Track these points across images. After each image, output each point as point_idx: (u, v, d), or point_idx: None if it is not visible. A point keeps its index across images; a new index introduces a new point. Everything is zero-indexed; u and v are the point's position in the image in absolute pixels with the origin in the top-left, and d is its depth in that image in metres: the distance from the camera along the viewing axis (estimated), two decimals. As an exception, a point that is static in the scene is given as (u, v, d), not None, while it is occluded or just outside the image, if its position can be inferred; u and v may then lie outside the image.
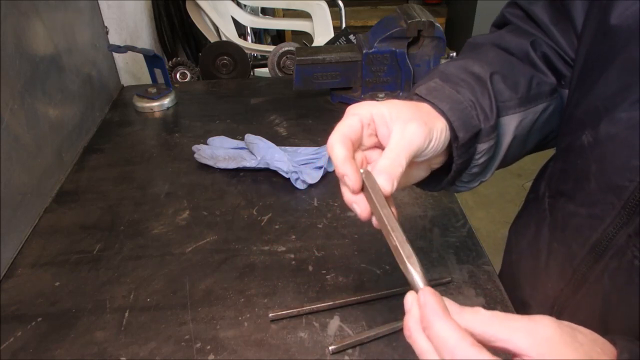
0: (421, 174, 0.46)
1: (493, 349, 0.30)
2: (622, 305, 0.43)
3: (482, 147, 0.46)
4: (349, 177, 0.38)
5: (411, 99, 0.45)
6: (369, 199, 0.38)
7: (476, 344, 0.29)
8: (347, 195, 0.40)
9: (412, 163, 0.41)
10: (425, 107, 0.43)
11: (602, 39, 0.44)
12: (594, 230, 0.45)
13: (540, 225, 0.55)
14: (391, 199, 0.39)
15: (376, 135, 0.42)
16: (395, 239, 0.35)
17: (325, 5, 1.48)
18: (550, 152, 0.57)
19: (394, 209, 0.38)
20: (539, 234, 0.55)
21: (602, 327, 0.45)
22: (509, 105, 0.48)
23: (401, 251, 0.35)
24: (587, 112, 0.45)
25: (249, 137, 0.81)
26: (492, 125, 0.45)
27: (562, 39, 0.53)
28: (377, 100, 0.94)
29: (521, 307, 0.57)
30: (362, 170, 0.39)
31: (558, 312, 0.52)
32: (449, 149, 0.44)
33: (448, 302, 0.32)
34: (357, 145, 0.41)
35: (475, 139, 0.45)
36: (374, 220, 0.39)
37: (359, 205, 0.39)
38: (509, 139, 0.49)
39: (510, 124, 0.48)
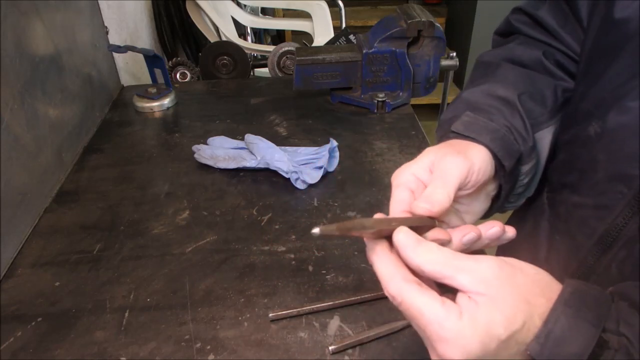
0: (483, 205, 0.47)
1: (444, 286, 0.33)
2: None
3: (525, 168, 0.47)
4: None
5: (448, 137, 0.45)
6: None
7: (409, 279, 0.33)
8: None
9: (472, 198, 0.44)
10: (460, 143, 0.43)
11: (607, 32, 0.44)
12: (601, 221, 0.45)
13: (539, 219, 0.54)
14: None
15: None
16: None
17: (325, 5, 1.48)
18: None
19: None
20: (537, 227, 0.54)
21: None
22: (541, 120, 0.49)
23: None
24: (594, 103, 0.45)
25: (249, 137, 0.81)
26: (531, 145, 0.46)
27: (571, 40, 0.53)
28: (379, 98, 0.94)
29: None
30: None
31: None
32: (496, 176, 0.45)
33: (414, 237, 0.34)
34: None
35: (518, 162, 0.46)
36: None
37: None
38: (547, 152, 0.50)
39: (546, 138, 0.50)
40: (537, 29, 0.56)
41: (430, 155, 0.41)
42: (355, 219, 0.37)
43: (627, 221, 0.42)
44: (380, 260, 0.35)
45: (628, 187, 0.41)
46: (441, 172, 0.39)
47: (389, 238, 0.36)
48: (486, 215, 0.49)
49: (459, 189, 0.40)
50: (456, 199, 0.42)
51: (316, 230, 0.32)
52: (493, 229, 0.38)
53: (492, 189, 0.46)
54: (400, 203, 0.39)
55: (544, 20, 0.54)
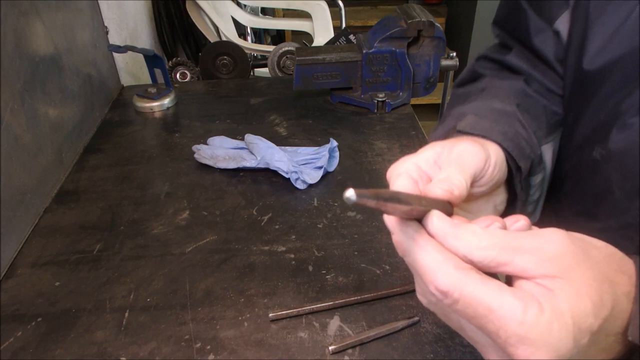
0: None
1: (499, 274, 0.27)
2: None
3: (536, 179, 0.44)
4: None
5: (452, 137, 0.40)
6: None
7: (464, 267, 0.26)
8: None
9: (478, 207, 0.39)
10: (470, 138, 0.38)
11: (583, 73, 0.43)
12: (630, 240, 0.42)
13: None
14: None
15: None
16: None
17: (325, 5, 1.48)
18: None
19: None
20: None
21: None
22: (539, 135, 0.46)
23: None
24: (589, 129, 0.45)
25: (249, 137, 0.81)
26: (539, 154, 0.43)
27: (546, 79, 0.51)
28: (379, 98, 0.94)
29: None
30: None
31: None
32: (507, 186, 0.41)
33: (450, 221, 0.28)
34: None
35: (529, 172, 0.43)
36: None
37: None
38: (549, 171, 0.47)
39: (547, 154, 0.47)
40: (505, 73, 0.53)
41: (435, 148, 0.36)
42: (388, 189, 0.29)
43: None
44: (422, 246, 0.28)
45: None
46: (456, 157, 0.34)
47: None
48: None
49: (474, 180, 0.35)
50: (461, 206, 0.38)
51: (350, 194, 0.23)
52: (519, 222, 0.31)
53: (500, 201, 0.42)
54: (402, 189, 0.33)
55: (514, 64, 0.51)
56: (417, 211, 0.28)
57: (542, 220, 0.55)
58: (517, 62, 0.52)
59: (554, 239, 0.26)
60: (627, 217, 0.43)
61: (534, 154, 0.43)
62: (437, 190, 0.31)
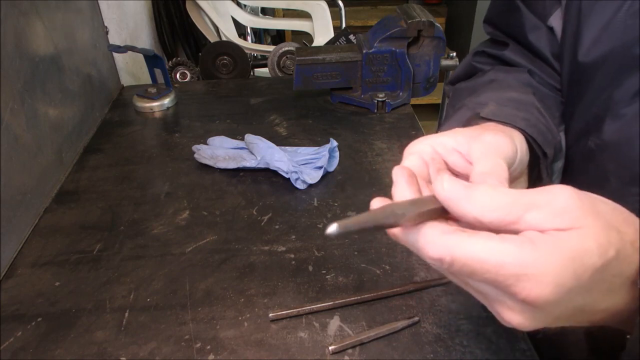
0: None
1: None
2: None
3: (558, 165, 0.45)
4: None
5: (476, 123, 0.40)
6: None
7: (450, 231, 0.27)
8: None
9: None
10: (496, 126, 0.38)
11: (578, 65, 0.45)
12: None
13: None
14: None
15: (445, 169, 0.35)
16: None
17: (325, 5, 1.48)
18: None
19: None
20: None
21: None
22: (555, 123, 0.46)
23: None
24: (585, 119, 0.46)
25: (249, 137, 0.81)
26: (559, 140, 0.44)
27: (544, 74, 0.53)
28: (379, 98, 0.94)
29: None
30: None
31: None
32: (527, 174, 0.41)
33: (461, 184, 0.28)
34: (423, 183, 0.33)
35: (554, 156, 0.43)
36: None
37: None
38: (564, 156, 0.48)
39: (562, 142, 0.48)
40: (504, 66, 0.54)
41: (457, 135, 0.34)
42: (382, 207, 0.28)
43: None
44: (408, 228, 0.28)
45: None
46: (493, 148, 0.33)
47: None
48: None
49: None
50: None
51: (332, 230, 0.25)
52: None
53: (521, 188, 0.42)
54: (405, 170, 0.31)
55: (511, 59, 0.53)
56: (426, 215, 0.28)
57: None
58: (515, 57, 0.53)
59: (563, 194, 0.27)
60: (623, 204, 0.43)
61: (555, 140, 0.43)
62: (488, 183, 0.30)
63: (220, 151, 0.81)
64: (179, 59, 1.22)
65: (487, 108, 0.41)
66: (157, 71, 1.04)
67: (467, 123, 0.42)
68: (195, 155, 0.81)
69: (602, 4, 0.43)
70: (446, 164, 0.34)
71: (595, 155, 0.46)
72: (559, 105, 0.51)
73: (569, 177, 0.53)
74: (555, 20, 0.49)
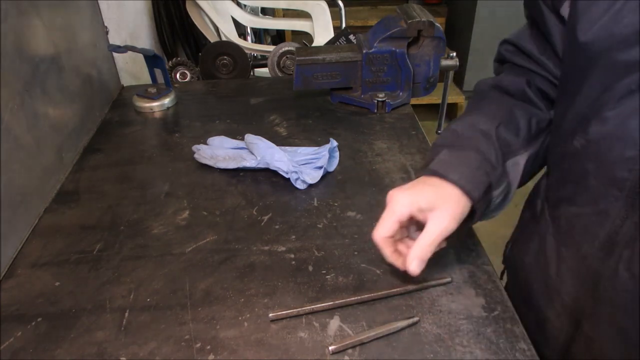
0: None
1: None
2: None
3: (496, 192, 0.53)
4: (399, 265, 0.53)
5: (426, 174, 0.53)
6: None
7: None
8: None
9: None
10: (444, 185, 0.51)
11: (576, 54, 0.48)
12: (601, 226, 0.47)
13: (544, 236, 0.56)
14: None
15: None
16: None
17: (325, 5, 1.48)
18: (540, 173, 0.63)
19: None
20: (543, 245, 0.56)
21: (632, 316, 0.47)
22: (514, 149, 0.55)
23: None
24: (574, 119, 0.49)
25: (249, 137, 0.81)
26: (499, 173, 0.52)
27: (552, 64, 0.57)
28: (379, 98, 0.94)
29: (537, 323, 0.58)
30: None
31: (578, 314, 0.53)
32: None
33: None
34: (398, 234, 0.54)
35: (490, 189, 0.51)
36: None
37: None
38: (520, 175, 0.56)
39: (520, 163, 0.56)
40: (521, 56, 0.61)
41: (425, 197, 0.50)
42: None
43: (623, 221, 0.45)
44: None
45: (620, 189, 0.44)
46: (436, 228, 0.50)
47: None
48: (466, 226, 0.54)
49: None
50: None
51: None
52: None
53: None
54: (389, 230, 0.52)
55: (526, 48, 0.60)
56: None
57: (530, 202, 0.64)
58: (530, 46, 0.59)
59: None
60: (601, 204, 0.47)
61: (493, 175, 0.52)
62: (414, 270, 0.50)
63: (220, 151, 0.81)
64: (179, 59, 1.22)
65: (438, 157, 0.54)
66: (157, 71, 1.04)
67: (429, 162, 0.55)
68: (195, 155, 0.81)
69: None
70: (413, 217, 0.51)
71: (579, 154, 0.48)
72: (536, 125, 0.57)
73: (553, 176, 0.56)
74: (564, 9, 0.51)
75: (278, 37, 2.34)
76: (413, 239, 0.54)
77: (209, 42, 1.46)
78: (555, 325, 0.56)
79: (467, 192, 0.50)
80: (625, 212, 0.44)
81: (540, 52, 0.58)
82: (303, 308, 0.53)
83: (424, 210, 0.50)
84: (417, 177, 0.55)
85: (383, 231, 0.51)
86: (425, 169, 0.54)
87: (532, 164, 0.58)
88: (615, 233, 0.45)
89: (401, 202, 0.50)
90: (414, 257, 0.49)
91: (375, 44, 0.93)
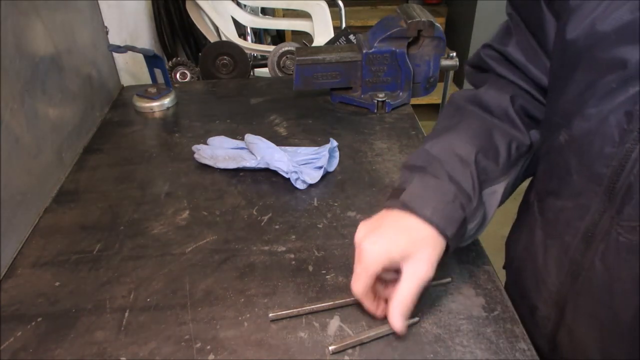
0: None
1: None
2: (617, 282, 0.46)
3: (471, 225, 0.52)
4: (377, 314, 0.52)
5: (397, 207, 0.50)
6: None
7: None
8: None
9: None
10: (417, 225, 0.49)
11: (565, 51, 0.48)
12: (582, 220, 0.48)
13: (533, 228, 0.58)
14: None
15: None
16: None
17: (325, 5, 1.48)
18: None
19: None
20: (533, 236, 0.58)
21: (606, 308, 0.48)
22: (492, 177, 0.54)
23: None
24: (560, 114, 0.50)
25: (249, 137, 0.81)
26: (475, 204, 0.50)
27: (540, 73, 0.56)
28: (379, 98, 0.94)
29: (529, 311, 0.58)
30: None
31: (562, 303, 0.54)
32: None
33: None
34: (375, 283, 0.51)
35: (464, 223, 0.50)
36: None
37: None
38: (497, 204, 0.55)
39: (498, 190, 0.55)
40: (506, 65, 0.59)
41: (399, 248, 0.48)
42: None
43: (601, 216, 0.46)
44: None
45: (599, 184, 0.45)
46: (413, 279, 0.48)
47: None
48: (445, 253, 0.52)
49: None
50: None
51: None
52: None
53: None
54: (366, 285, 0.50)
55: (512, 56, 0.58)
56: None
57: (519, 195, 0.64)
58: (516, 54, 0.57)
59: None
60: (581, 198, 0.48)
61: (467, 208, 0.50)
62: (401, 331, 0.49)
63: (220, 151, 0.81)
64: (179, 59, 1.22)
65: (408, 189, 0.51)
66: (157, 71, 1.04)
67: (398, 193, 0.52)
68: (195, 155, 0.81)
69: None
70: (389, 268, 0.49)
71: (564, 149, 0.49)
72: (516, 150, 0.56)
73: (541, 169, 0.56)
74: None
75: (278, 37, 2.34)
76: (388, 279, 0.52)
77: (209, 42, 1.46)
78: (544, 314, 0.57)
79: (440, 230, 0.48)
80: (603, 207, 0.45)
81: (528, 60, 0.56)
82: (303, 308, 0.53)
83: (397, 260, 0.48)
84: (386, 206, 0.51)
85: (360, 287, 0.49)
86: (395, 200, 0.51)
87: (511, 189, 0.57)
88: (594, 226, 0.47)
89: (373, 256, 0.48)
90: (397, 315, 0.48)
91: (375, 44, 0.93)
